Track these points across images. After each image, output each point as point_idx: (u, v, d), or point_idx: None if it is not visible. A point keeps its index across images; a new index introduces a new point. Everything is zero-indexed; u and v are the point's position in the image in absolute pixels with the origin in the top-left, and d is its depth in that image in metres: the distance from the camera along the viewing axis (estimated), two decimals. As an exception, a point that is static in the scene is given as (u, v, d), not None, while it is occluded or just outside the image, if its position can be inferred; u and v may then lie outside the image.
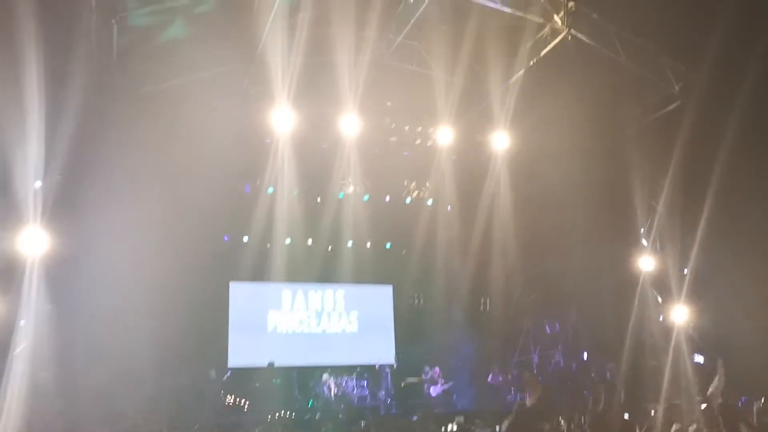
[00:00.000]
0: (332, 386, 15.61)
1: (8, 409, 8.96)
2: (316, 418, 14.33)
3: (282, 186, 14.61)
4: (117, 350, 12.02)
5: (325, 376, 15.83)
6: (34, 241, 9.85)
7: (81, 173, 11.20)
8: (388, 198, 17.56)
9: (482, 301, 18.20)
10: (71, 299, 10.97)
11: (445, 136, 14.58)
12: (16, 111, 8.42)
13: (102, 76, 11.00)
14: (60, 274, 10.39)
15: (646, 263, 15.37)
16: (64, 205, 10.54)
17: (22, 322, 9.78)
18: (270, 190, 14.98)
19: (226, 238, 16.67)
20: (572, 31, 12.43)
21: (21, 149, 8.70)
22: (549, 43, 12.76)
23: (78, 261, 11.66)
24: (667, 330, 14.84)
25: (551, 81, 13.13)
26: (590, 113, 13.58)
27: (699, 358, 14.43)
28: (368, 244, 17.46)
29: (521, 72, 13.36)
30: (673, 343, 14.44)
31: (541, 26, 12.62)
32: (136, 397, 11.22)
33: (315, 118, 13.77)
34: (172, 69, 12.02)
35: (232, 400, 14.85)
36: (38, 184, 9.59)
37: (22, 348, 10.06)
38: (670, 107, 13.91)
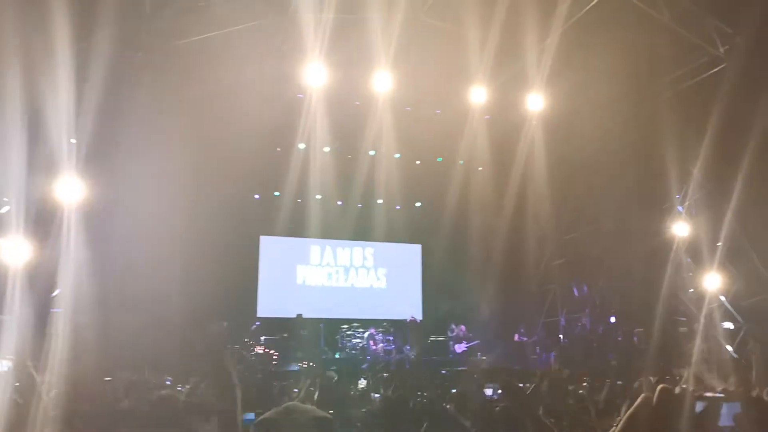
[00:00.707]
0: (376, 340, 16.14)
1: (53, 353, 9.31)
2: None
3: (313, 142, 14.68)
4: (148, 299, 12.38)
5: (370, 331, 16.44)
6: (70, 189, 10.17)
7: (115, 125, 11.44)
8: (419, 156, 17.51)
9: (511, 262, 18.14)
10: (105, 247, 11.31)
11: (478, 95, 14.41)
12: (49, 62, 8.61)
13: (135, 29, 11.12)
14: (95, 222, 10.71)
15: (679, 229, 15.12)
16: (99, 156, 10.81)
17: (59, 267, 10.16)
18: (301, 146, 15.09)
19: (257, 196, 16.91)
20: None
21: (54, 99, 8.91)
22: (589, 1, 12.41)
23: (112, 210, 12.01)
24: (698, 297, 14.67)
25: (589, 41, 12.79)
26: (628, 75, 13.26)
27: (729, 325, 14.27)
28: (398, 203, 17.48)
29: (559, 31, 13.04)
30: (704, 310, 14.28)
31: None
32: (166, 346, 11.57)
33: (347, 75, 13.70)
34: (205, 23, 12.04)
35: (261, 350, 15.27)
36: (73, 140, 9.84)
37: (58, 293, 10.50)
38: (713, 71, 13.44)
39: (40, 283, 10.01)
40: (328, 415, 1.60)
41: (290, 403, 1.65)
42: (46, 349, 9.29)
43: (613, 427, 3.19)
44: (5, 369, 8.19)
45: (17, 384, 6.29)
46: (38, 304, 9.86)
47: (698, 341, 13.32)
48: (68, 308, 10.03)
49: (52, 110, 9.22)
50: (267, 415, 1.62)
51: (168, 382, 8.27)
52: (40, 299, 10.22)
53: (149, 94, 11.99)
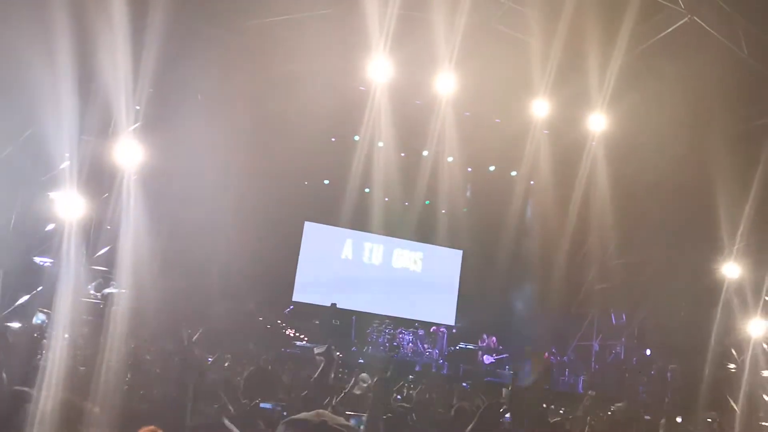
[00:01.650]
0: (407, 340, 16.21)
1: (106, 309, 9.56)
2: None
3: (369, 136, 14.75)
4: (189, 267, 12.66)
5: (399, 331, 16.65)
6: (129, 152, 10.47)
7: (176, 94, 11.70)
8: (472, 162, 17.40)
9: (553, 280, 17.89)
10: (157, 211, 11.59)
11: (540, 108, 14.25)
12: (112, 28, 8.83)
13: (205, 2, 11.33)
14: (147, 186, 10.98)
15: (730, 270, 14.67)
16: (158, 122, 11.07)
17: (107, 227, 10.48)
18: (356, 138, 15.18)
19: (306, 182, 17.08)
20: (694, 17, 11.76)
21: (116, 64, 9.15)
22: (666, 26, 12.14)
23: (167, 177, 12.29)
24: (742, 341, 14.25)
25: (661, 66, 12.53)
26: (698, 107, 12.90)
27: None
28: (445, 206, 17.41)
29: (632, 52, 12.78)
30: (747, 355, 13.87)
31: (659, 7, 11.99)
32: (200, 318, 11.83)
33: (411, 73, 13.71)
34: (273, 7, 12.20)
35: (292, 333, 15.47)
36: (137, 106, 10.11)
37: (107, 249, 10.83)
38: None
39: (90, 240, 10.34)
40: (355, 427, 1.65)
41: (321, 410, 1.71)
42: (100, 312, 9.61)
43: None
44: (39, 321, 8.51)
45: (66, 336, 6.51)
46: (86, 261, 10.20)
47: (740, 387, 13.01)
48: (124, 268, 10.24)
49: (115, 75, 9.46)
50: (299, 416, 1.67)
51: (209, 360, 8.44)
52: (89, 255, 10.58)
53: (213, 69, 12.23)
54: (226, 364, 9.15)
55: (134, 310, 8.99)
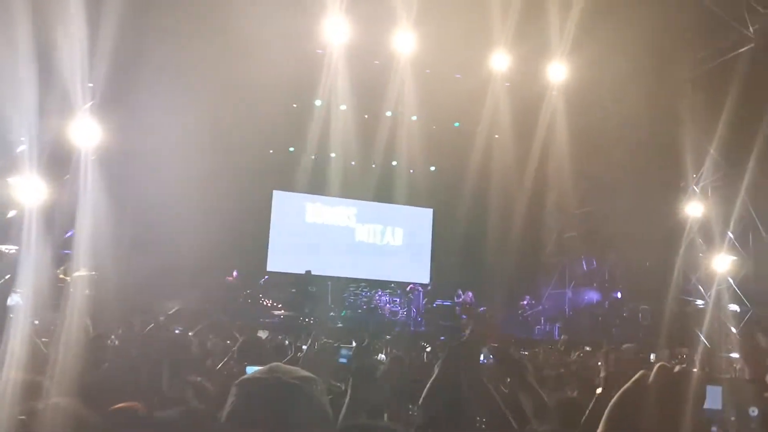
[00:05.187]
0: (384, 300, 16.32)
1: (74, 291, 9.41)
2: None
3: (331, 100, 14.59)
4: (160, 245, 12.51)
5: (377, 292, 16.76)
6: (86, 132, 10.20)
7: (132, 71, 11.39)
8: (436, 120, 17.36)
9: (524, 231, 18.10)
10: (120, 191, 11.38)
11: (500, 62, 14.21)
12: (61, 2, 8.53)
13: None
14: (110, 165, 10.75)
15: (693, 210, 15.00)
16: (115, 100, 10.79)
17: (74, 208, 10.25)
18: (318, 102, 15.00)
19: (271, 150, 16.90)
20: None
21: (69, 41, 8.85)
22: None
23: (128, 154, 12.05)
24: (707, 278, 14.65)
25: (615, 13, 12.51)
26: (654, 51, 12.98)
27: (734, 307, 14.27)
28: (413, 166, 17.40)
29: (586, 2, 12.77)
30: (712, 291, 14.27)
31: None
32: (176, 293, 11.73)
33: (368, 33, 13.52)
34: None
35: (269, 303, 15.47)
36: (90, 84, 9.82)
37: (72, 233, 10.61)
38: (740, 50, 13.13)
39: (55, 223, 10.11)
40: (313, 375, 1.59)
41: (275, 363, 1.63)
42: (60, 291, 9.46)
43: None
44: (14, 302, 8.34)
45: (36, 322, 6.41)
46: (52, 245, 9.99)
47: (705, 322, 13.37)
48: (84, 250, 10.09)
49: (68, 52, 9.16)
50: (249, 375, 1.62)
51: (177, 331, 8.39)
52: (54, 239, 10.36)
53: (169, 41, 11.90)
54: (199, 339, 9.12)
55: (103, 291, 8.89)
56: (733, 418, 1.24)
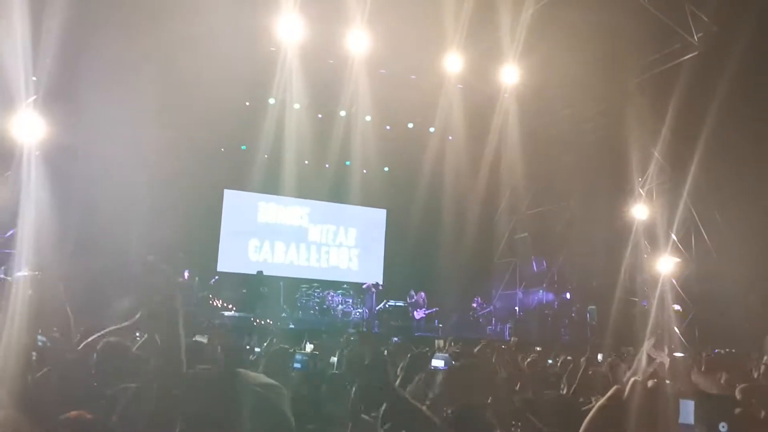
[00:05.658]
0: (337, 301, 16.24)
1: (15, 292, 9.05)
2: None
3: (284, 98, 14.44)
4: (107, 244, 12.16)
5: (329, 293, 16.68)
6: (29, 127, 9.83)
7: (79, 65, 11.04)
8: (390, 121, 17.36)
9: (474, 232, 18.27)
10: (65, 188, 11.01)
11: (454, 63, 14.27)
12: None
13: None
14: (54, 161, 10.39)
15: (639, 212, 15.40)
16: (61, 94, 10.44)
17: (16, 206, 9.86)
18: (271, 101, 14.82)
19: (222, 149, 16.63)
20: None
21: (11, 34, 8.52)
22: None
23: (74, 152, 11.68)
24: (652, 279, 15.03)
25: (565, 17, 12.71)
26: (602, 56, 13.24)
27: (678, 307, 14.69)
28: (366, 166, 17.35)
29: (537, 5, 12.96)
30: (657, 292, 14.64)
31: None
32: (124, 292, 11.39)
33: (322, 32, 13.39)
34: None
35: (219, 304, 15.21)
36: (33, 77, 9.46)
37: (14, 232, 10.21)
38: (685, 57, 13.53)
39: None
40: (275, 383, 1.53)
41: (239, 369, 1.56)
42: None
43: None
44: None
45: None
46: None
47: (649, 321, 13.71)
48: (26, 249, 9.72)
49: (10, 45, 8.81)
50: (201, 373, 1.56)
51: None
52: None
53: (118, 36, 11.57)
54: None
55: (47, 291, 8.55)
56: (704, 434, 1.24)
